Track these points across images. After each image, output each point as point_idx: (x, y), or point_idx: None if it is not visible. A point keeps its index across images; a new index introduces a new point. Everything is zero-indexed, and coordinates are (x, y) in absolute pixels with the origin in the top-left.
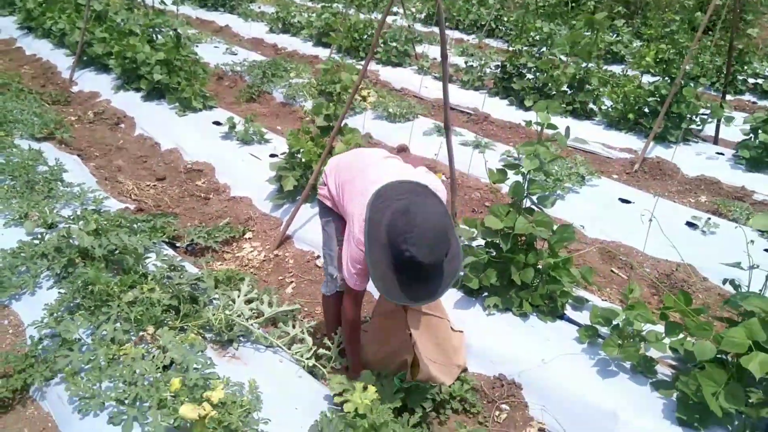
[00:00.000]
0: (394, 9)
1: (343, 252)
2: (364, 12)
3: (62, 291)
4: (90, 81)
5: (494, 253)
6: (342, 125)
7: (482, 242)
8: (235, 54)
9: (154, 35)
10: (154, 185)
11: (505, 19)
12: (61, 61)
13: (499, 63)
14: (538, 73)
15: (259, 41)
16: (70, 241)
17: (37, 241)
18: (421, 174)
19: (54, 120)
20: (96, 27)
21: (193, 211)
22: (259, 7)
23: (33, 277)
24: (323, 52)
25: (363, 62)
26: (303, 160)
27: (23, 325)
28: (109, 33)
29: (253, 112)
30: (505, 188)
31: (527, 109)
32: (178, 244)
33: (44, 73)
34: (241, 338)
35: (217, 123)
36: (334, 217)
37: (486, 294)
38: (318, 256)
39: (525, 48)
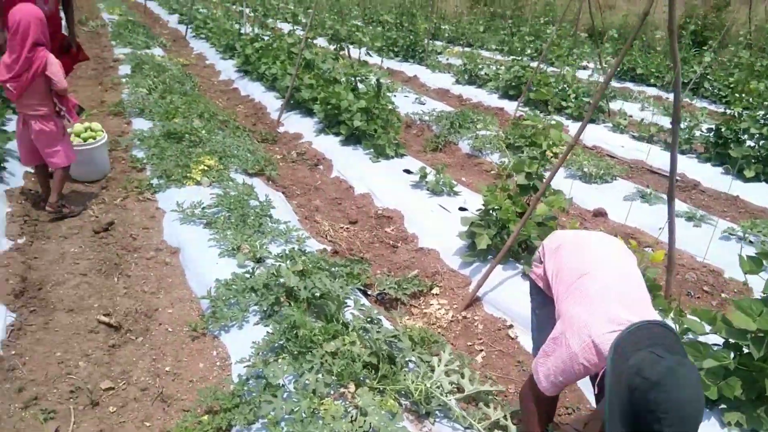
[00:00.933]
0: (584, 63)
1: (548, 351)
2: (557, 66)
3: (269, 330)
4: (295, 123)
5: (739, 359)
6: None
7: (719, 340)
8: (423, 104)
9: (356, 84)
10: (347, 228)
11: (711, 78)
12: (271, 102)
13: (713, 126)
14: (763, 141)
15: (445, 92)
16: (278, 279)
17: (247, 275)
18: (624, 254)
19: (264, 158)
20: (304, 74)
21: (381, 258)
22: (447, 59)
23: (242, 311)
24: (509, 105)
25: (552, 116)
26: (499, 218)
27: (230, 359)
28: (316, 80)
29: (439, 161)
30: (755, 281)
31: (746, 179)
32: (369, 292)
33: (255, 113)
34: (437, 413)
35: (408, 171)
36: (546, 301)
37: (725, 407)
38: (510, 325)
39: (746, 112)
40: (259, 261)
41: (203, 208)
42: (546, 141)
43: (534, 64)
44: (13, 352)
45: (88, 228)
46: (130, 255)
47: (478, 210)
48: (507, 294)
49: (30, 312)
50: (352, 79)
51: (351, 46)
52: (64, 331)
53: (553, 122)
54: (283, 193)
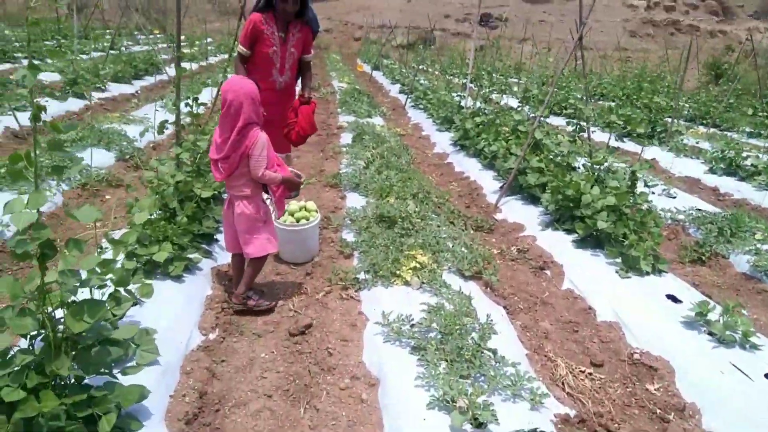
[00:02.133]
0: None
1: None
2: None
3: None
4: (515, 211)
5: None
6: None
7: None
8: (674, 197)
9: (598, 173)
10: (590, 373)
11: None
12: (488, 183)
13: None
14: None
15: (694, 182)
16: None
17: None
18: None
19: (482, 256)
20: (532, 156)
21: None
22: (697, 143)
23: None
24: None
25: None
26: None
27: None
28: (546, 164)
29: (704, 280)
30: None
31: None
32: None
33: (470, 193)
34: None
35: (673, 299)
36: None
37: None
38: None
39: None
40: (480, 426)
41: (411, 323)
42: None
43: None
44: None
45: (284, 327)
46: (323, 376)
47: None
48: None
49: None
50: (595, 167)
51: (591, 127)
52: None
53: None
54: (504, 308)
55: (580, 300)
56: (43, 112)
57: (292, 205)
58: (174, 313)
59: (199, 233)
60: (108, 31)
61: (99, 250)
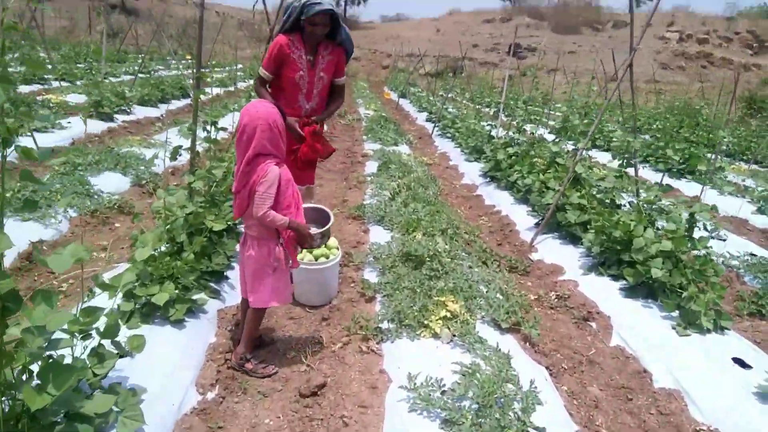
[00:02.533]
0: None
1: None
2: None
3: None
4: (553, 251)
5: None
6: None
7: None
8: (724, 239)
9: (650, 214)
10: None
11: None
12: (521, 218)
13: None
14: None
15: (741, 222)
16: None
17: None
18: None
19: (519, 303)
20: (571, 190)
21: None
22: (743, 180)
23: None
24: None
25: None
26: None
27: None
28: (588, 200)
29: (763, 336)
30: None
31: None
32: None
33: (501, 229)
34: None
35: (742, 364)
36: None
37: None
38: None
39: None
40: None
41: (442, 389)
42: None
43: None
44: None
45: (294, 385)
46: None
47: None
48: None
49: None
50: (646, 206)
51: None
52: None
53: None
54: (547, 368)
55: (633, 360)
56: (32, 148)
57: None
58: (169, 367)
59: (208, 270)
60: (141, 55)
61: (89, 294)
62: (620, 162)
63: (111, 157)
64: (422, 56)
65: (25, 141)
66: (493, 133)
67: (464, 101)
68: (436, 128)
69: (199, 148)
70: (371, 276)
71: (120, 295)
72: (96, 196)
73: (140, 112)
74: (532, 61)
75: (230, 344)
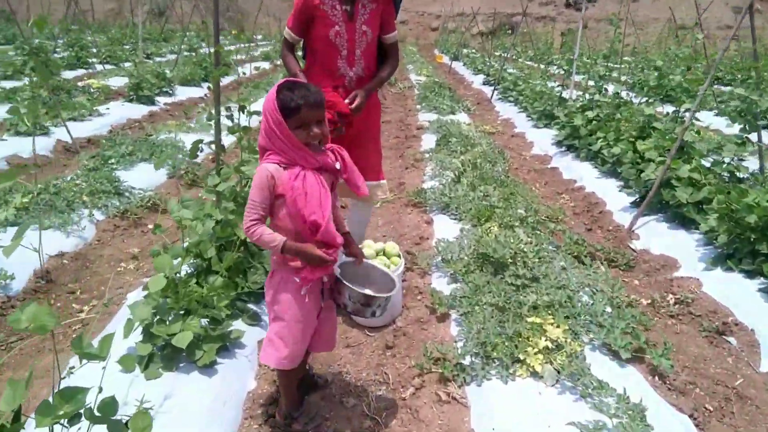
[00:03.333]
0: None
1: None
2: None
3: None
4: (660, 238)
5: None
6: None
7: None
8: None
9: None
10: None
11: None
12: (613, 196)
13: None
14: None
15: None
16: None
17: None
18: None
19: (638, 320)
20: (678, 162)
21: None
22: None
23: None
24: None
25: None
26: None
27: None
28: (703, 175)
29: None
30: None
31: None
32: None
33: (588, 210)
34: None
35: None
36: None
37: None
38: None
39: None
40: None
41: None
42: None
43: None
44: None
45: None
46: None
47: None
48: None
49: None
50: None
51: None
52: None
53: None
54: (691, 416)
55: None
56: None
57: (367, 248)
58: (196, 428)
59: (244, 291)
60: (189, 33)
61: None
62: (742, 126)
63: (146, 146)
64: (474, 15)
65: (59, 132)
66: (565, 94)
67: (524, 60)
68: (496, 92)
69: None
70: (441, 283)
71: (139, 329)
72: (127, 194)
73: (183, 93)
74: (592, 13)
75: (273, 391)
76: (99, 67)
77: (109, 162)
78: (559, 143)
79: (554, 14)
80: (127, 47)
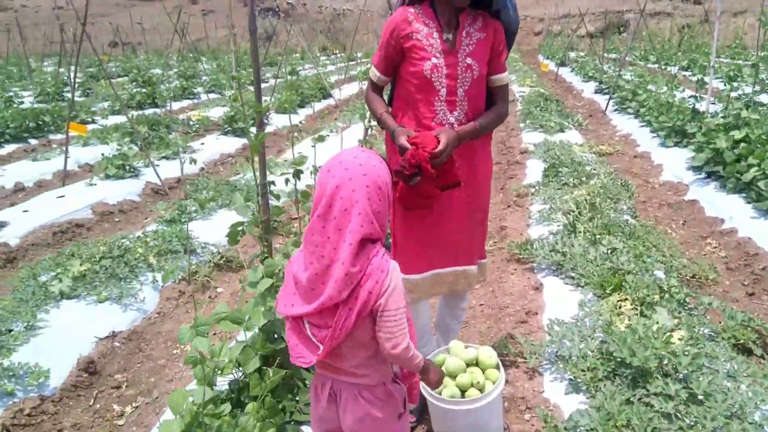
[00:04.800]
0: None
1: None
2: None
3: None
4: None
5: None
6: None
7: None
8: None
9: None
10: None
11: None
12: None
13: None
14: None
15: None
16: None
17: None
18: None
19: None
20: None
21: None
22: None
23: None
24: None
25: None
26: None
27: None
28: None
29: None
30: None
31: None
32: None
33: (746, 263)
34: None
35: None
36: None
37: None
38: None
39: None
40: None
41: None
42: None
43: None
44: None
45: None
46: None
47: None
48: None
49: None
50: None
51: None
52: None
53: None
54: None
55: None
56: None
57: (455, 356)
58: None
59: (291, 420)
60: (295, 55)
61: None
62: None
63: (227, 190)
64: (580, 15)
65: (150, 172)
66: (700, 107)
67: (643, 63)
68: (611, 102)
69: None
70: (557, 391)
71: None
72: (199, 250)
73: (278, 121)
74: (713, 5)
75: None
76: (204, 97)
77: (186, 213)
78: (696, 168)
79: (670, 9)
80: (245, 72)
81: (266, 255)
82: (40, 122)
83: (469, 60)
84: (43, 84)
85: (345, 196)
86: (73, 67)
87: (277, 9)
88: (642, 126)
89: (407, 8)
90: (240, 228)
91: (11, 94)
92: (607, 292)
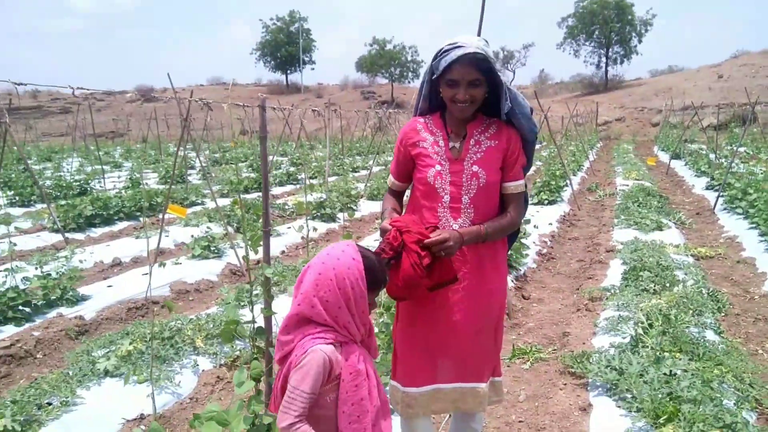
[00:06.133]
0: None
1: None
2: None
3: None
4: None
5: None
6: None
7: None
8: None
9: None
10: None
11: None
12: None
13: None
14: None
15: None
16: None
17: None
18: None
19: None
20: None
21: None
22: None
23: None
24: None
25: None
26: None
27: None
28: None
29: None
30: None
31: None
32: None
33: None
34: None
35: None
36: None
37: None
38: None
39: None
40: None
41: None
42: None
43: None
44: None
45: None
46: None
47: None
48: None
49: None
50: None
51: None
52: None
53: None
54: None
55: None
56: None
57: None
58: None
59: None
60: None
61: None
62: None
63: (292, 275)
64: (699, 108)
65: (231, 254)
66: None
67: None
68: (721, 199)
69: None
70: None
71: None
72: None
73: (366, 208)
74: None
75: None
76: (309, 182)
77: (247, 293)
78: None
79: None
80: (349, 161)
81: (255, 356)
82: (153, 203)
83: (475, 168)
84: (168, 167)
85: (304, 277)
86: (194, 153)
87: (392, 101)
88: (751, 228)
89: (417, 118)
90: (234, 326)
91: (138, 175)
92: (661, 422)
